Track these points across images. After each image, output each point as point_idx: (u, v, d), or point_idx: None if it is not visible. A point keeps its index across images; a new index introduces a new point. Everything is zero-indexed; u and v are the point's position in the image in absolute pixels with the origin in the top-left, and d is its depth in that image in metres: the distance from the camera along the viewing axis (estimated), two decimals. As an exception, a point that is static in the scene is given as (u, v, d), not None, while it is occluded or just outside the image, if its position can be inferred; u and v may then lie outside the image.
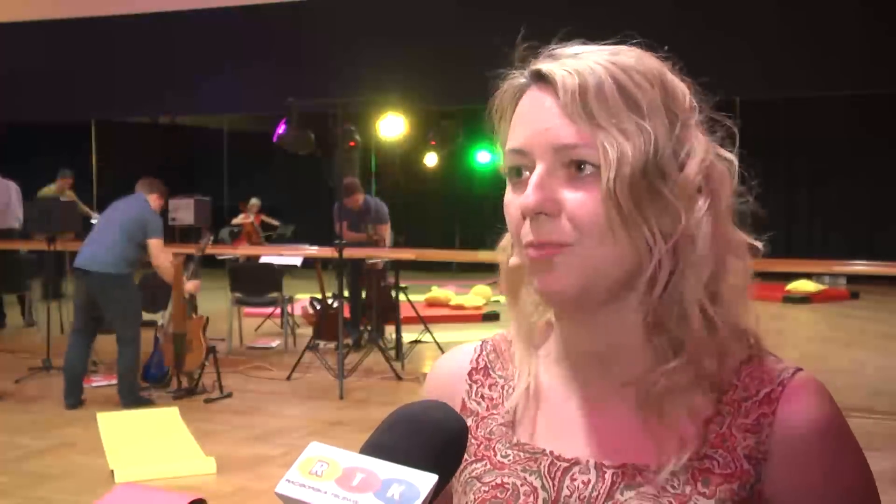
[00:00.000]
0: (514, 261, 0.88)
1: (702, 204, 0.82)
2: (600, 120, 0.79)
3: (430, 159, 13.19)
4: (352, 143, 7.96)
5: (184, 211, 9.46)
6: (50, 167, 10.76)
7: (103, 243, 6.23)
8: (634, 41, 0.87)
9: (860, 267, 8.19)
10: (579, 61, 0.82)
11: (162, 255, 6.34)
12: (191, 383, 6.56)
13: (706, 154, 0.83)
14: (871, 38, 6.35)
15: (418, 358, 7.92)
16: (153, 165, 15.08)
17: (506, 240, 0.92)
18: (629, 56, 0.83)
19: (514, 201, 0.84)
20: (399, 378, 7.12)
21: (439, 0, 7.62)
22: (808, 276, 12.10)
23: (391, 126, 8.48)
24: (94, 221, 11.33)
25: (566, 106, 0.80)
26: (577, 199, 0.80)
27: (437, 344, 7.75)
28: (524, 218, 0.82)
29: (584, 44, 0.86)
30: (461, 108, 8.73)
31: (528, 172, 0.83)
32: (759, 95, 8.70)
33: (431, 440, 0.71)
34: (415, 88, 7.48)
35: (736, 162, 0.86)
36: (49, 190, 10.47)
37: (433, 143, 8.70)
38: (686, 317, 0.82)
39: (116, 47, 8.56)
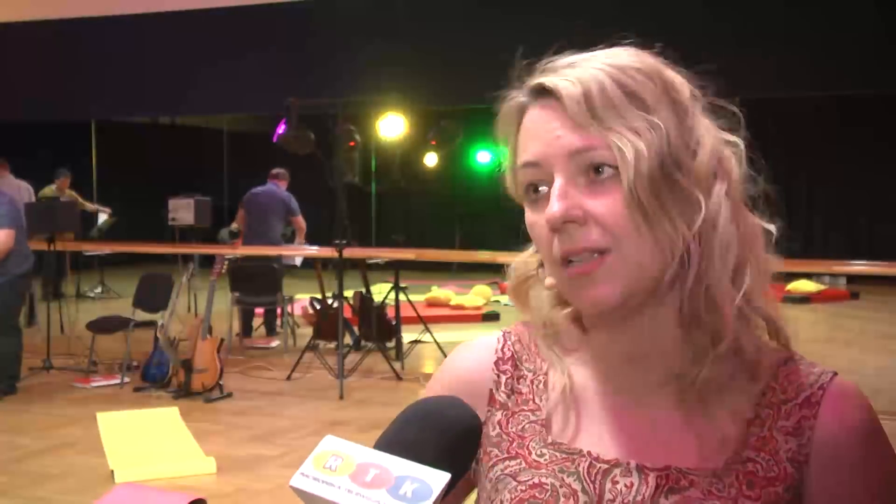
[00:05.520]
0: (549, 281, 0.87)
1: (719, 188, 0.83)
2: (610, 122, 0.79)
3: (430, 159, 13.18)
4: (352, 143, 7.95)
5: (184, 211, 9.48)
6: (50, 167, 10.76)
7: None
8: (627, 41, 0.87)
9: (860, 267, 8.20)
10: (577, 69, 0.82)
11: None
12: (204, 389, 6.52)
13: (715, 139, 0.84)
14: (873, 38, 6.35)
15: (418, 358, 7.92)
16: (153, 165, 15.17)
17: (521, 258, 0.93)
18: (625, 56, 0.84)
19: (538, 219, 0.83)
20: (399, 378, 7.11)
21: (440, 0, 7.62)
22: (808, 276, 12.08)
23: (391, 126, 8.47)
24: (101, 216, 11.33)
25: (574, 114, 0.80)
26: (601, 204, 0.80)
27: (437, 344, 7.75)
28: (553, 231, 0.81)
29: (576, 52, 0.86)
30: (461, 108, 8.73)
31: (545, 188, 0.82)
32: (759, 94, 8.70)
33: (445, 437, 0.72)
34: (415, 88, 7.48)
35: (742, 145, 0.86)
36: (49, 190, 10.48)
37: (433, 143, 8.68)
38: (717, 304, 0.82)
39: (117, 47, 8.55)
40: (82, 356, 7.41)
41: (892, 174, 13.55)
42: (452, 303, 10.93)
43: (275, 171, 9.09)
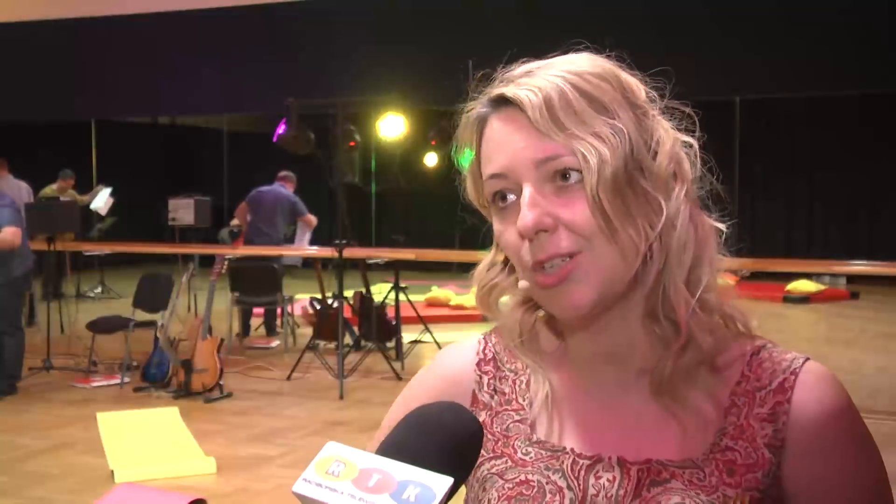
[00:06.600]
0: (523, 284, 0.88)
1: (678, 190, 0.84)
2: (573, 128, 0.80)
3: (430, 159, 13.18)
4: (352, 143, 7.96)
5: (184, 211, 9.48)
6: (50, 167, 10.77)
7: None
8: (580, 47, 0.88)
9: (860, 267, 8.21)
10: (535, 78, 0.82)
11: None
12: (204, 389, 6.51)
13: (673, 140, 0.85)
14: (874, 38, 6.36)
15: (418, 358, 7.92)
16: (153, 165, 15.18)
17: (481, 267, 0.94)
18: (581, 62, 0.84)
19: (507, 227, 0.84)
20: (399, 378, 7.11)
21: (439, 0, 7.62)
22: (808, 276, 12.10)
23: (391, 126, 8.47)
24: (92, 207, 11.31)
25: (537, 122, 0.80)
26: (570, 210, 0.81)
27: (437, 344, 7.75)
28: (523, 240, 0.82)
29: (529, 61, 0.86)
30: (462, 107, 8.73)
31: (513, 196, 0.83)
32: (759, 94, 8.71)
33: (447, 442, 0.72)
34: (415, 88, 7.48)
35: (696, 145, 0.87)
36: (49, 190, 10.48)
37: (433, 143, 8.68)
38: (671, 302, 0.84)
39: (116, 47, 8.56)
40: (82, 356, 7.42)
41: (892, 174, 13.55)
42: (452, 303, 10.93)
43: (283, 173, 9.06)
